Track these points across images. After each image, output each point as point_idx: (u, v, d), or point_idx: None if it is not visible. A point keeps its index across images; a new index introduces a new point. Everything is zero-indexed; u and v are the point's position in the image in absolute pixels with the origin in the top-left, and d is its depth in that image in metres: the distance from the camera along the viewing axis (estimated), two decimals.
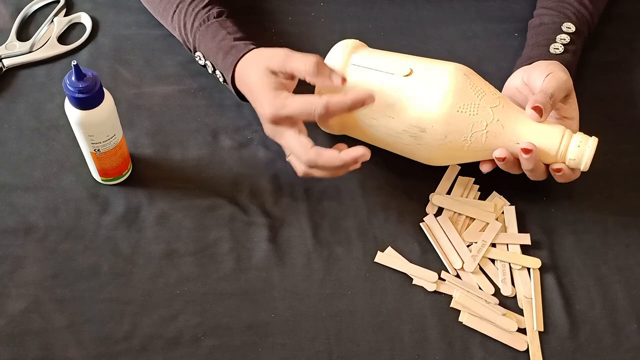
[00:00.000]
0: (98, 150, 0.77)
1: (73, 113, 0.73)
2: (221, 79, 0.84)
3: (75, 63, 0.70)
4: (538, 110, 0.75)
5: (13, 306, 0.74)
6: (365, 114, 0.79)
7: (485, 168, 0.80)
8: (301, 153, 0.74)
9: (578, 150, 0.75)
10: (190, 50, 0.86)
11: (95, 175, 0.81)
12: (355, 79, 0.79)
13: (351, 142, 0.85)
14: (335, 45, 0.81)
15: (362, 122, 0.79)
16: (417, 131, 0.77)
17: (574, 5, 0.87)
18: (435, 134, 0.76)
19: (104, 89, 0.73)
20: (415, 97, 0.76)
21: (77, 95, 0.71)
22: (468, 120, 0.75)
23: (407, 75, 0.77)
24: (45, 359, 0.72)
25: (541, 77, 0.78)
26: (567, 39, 0.84)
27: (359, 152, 0.73)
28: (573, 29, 0.85)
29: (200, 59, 0.85)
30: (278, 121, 0.75)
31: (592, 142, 0.75)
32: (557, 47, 0.84)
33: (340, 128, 0.83)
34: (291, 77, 0.77)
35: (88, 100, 0.72)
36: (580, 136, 0.75)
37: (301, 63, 0.74)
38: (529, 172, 0.77)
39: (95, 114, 0.73)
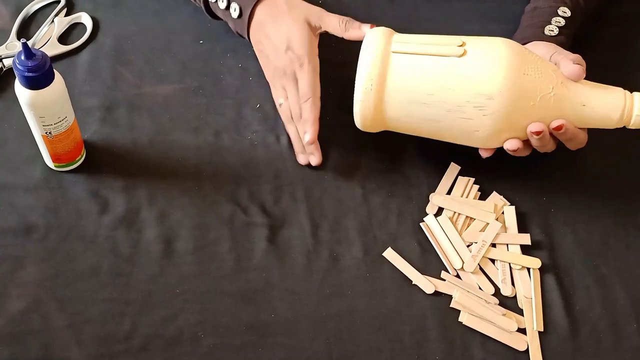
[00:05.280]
0: (50, 133, 0.77)
1: (23, 93, 0.74)
2: (235, 13, 0.86)
3: (24, 41, 0.70)
4: (579, 67, 0.75)
5: (13, 306, 0.74)
6: (420, 91, 0.74)
7: (484, 153, 0.79)
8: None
9: None
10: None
11: (49, 161, 0.82)
12: (403, 66, 0.75)
13: (392, 136, 0.84)
14: (368, 36, 0.77)
15: (415, 101, 0.75)
16: (483, 100, 0.73)
17: None
18: (504, 100, 0.73)
19: (54, 70, 0.74)
20: (477, 65, 0.73)
21: (26, 74, 0.71)
22: (535, 83, 0.73)
23: (461, 56, 0.74)
24: (45, 359, 0.72)
25: (545, 57, 0.78)
26: (563, 22, 0.84)
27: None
28: (569, 13, 0.85)
29: None
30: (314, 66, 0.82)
31: None
32: (552, 29, 0.83)
33: (387, 119, 0.78)
34: (319, 33, 0.84)
35: (37, 79, 0.72)
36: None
37: (336, 20, 0.83)
38: (568, 143, 0.78)
39: (45, 94, 0.74)
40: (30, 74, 0.72)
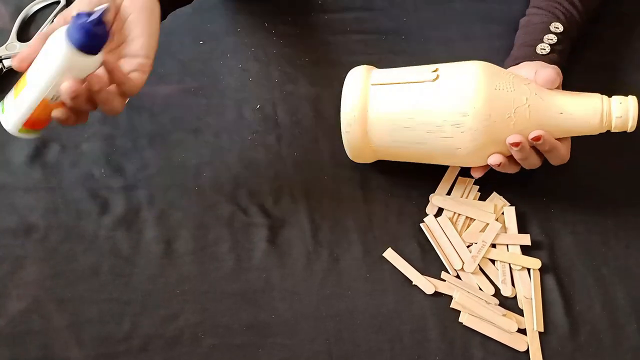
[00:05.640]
0: (57, 97, 0.69)
1: (69, 52, 0.66)
2: None
3: (106, 6, 0.65)
4: (553, 70, 0.75)
5: (13, 306, 0.74)
6: (400, 116, 0.77)
7: (477, 173, 0.80)
8: None
9: (621, 106, 0.74)
10: None
11: (16, 125, 0.71)
12: (381, 95, 0.78)
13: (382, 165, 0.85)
14: (350, 74, 0.81)
15: (397, 126, 0.78)
16: (459, 117, 0.75)
17: (563, 5, 0.87)
18: (478, 115, 0.74)
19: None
20: (449, 86, 0.76)
21: (92, 29, 0.65)
22: (507, 96, 0.75)
23: (434, 80, 0.77)
24: (45, 359, 0.72)
25: (530, 74, 0.79)
26: (555, 39, 0.84)
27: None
28: (561, 29, 0.85)
29: None
30: None
31: (632, 99, 0.74)
32: (543, 48, 0.84)
33: (375, 148, 0.80)
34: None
35: (97, 42, 0.66)
36: (618, 96, 0.75)
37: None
38: (549, 156, 0.77)
39: (95, 60, 0.67)
40: (95, 31, 0.65)
